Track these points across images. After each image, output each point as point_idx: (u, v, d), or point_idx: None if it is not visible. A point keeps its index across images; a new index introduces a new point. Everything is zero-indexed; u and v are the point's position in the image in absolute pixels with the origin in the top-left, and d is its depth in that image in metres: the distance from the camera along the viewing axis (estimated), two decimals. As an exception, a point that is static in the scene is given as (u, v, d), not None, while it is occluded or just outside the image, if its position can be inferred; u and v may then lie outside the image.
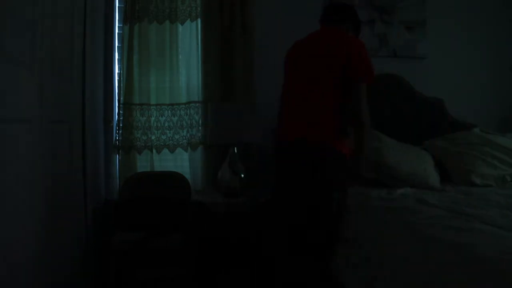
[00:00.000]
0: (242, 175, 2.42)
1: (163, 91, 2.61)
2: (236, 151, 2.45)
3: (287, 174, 1.86)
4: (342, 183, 1.80)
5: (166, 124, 2.61)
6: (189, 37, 2.63)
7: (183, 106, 2.63)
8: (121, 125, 2.53)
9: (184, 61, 2.65)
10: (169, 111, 2.61)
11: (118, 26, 2.64)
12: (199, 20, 2.62)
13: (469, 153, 2.44)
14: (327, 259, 1.85)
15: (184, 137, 2.62)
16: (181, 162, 2.64)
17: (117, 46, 2.64)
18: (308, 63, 1.88)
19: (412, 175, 2.27)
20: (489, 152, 2.45)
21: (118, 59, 2.62)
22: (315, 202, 1.76)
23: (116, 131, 2.56)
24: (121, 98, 2.53)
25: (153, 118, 2.59)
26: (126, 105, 2.53)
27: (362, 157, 1.81)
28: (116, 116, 2.58)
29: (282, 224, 1.90)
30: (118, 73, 2.60)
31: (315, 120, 1.78)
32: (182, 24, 2.63)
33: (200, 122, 2.62)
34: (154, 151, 2.58)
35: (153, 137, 2.59)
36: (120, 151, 2.54)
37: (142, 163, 2.57)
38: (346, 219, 1.88)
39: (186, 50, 2.65)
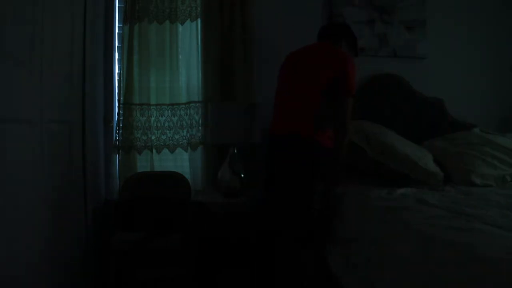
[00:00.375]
0: (242, 175, 2.42)
1: (163, 91, 2.61)
2: (236, 151, 2.45)
3: (277, 166, 2.01)
4: (328, 175, 1.97)
5: (166, 124, 2.61)
6: (189, 37, 2.63)
7: (183, 106, 2.62)
8: (121, 125, 2.53)
9: (184, 61, 2.65)
10: (169, 111, 2.61)
11: (118, 26, 2.64)
12: (199, 20, 2.62)
13: (469, 153, 2.43)
14: (320, 252, 1.91)
15: (184, 137, 2.62)
16: (181, 162, 2.63)
17: (117, 46, 2.64)
18: (306, 68, 2.03)
19: (409, 157, 2.25)
20: (489, 152, 2.45)
21: (118, 59, 2.62)
22: (299, 191, 1.91)
23: (116, 131, 2.55)
24: (121, 98, 2.53)
25: (153, 118, 2.59)
26: (126, 105, 2.53)
27: (338, 161, 1.98)
28: (116, 116, 2.58)
29: (274, 215, 2.00)
30: (118, 73, 2.60)
31: (311, 119, 1.92)
32: (182, 24, 2.62)
33: (200, 122, 2.62)
34: (154, 151, 2.58)
35: (153, 137, 2.59)
36: (120, 151, 2.54)
37: (142, 163, 2.57)
38: (336, 213, 1.98)
39: (186, 50, 2.64)
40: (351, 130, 1.99)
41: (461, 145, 2.51)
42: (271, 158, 2.05)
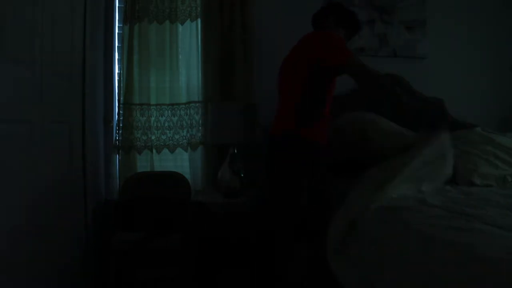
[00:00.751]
0: (242, 175, 2.42)
1: (163, 91, 2.61)
2: (236, 151, 2.45)
3: (271, 165, 1.97)
4: (310, 169, 1.87)
5: (166, 124, 2.61)
6: (189, 37, 2.64)
7: (183, 106, 2.63)
8: (121, 125, 2.53)
9: (184, 61, 2.65)
10: (169, 111, 2.61)
11: (118, 26, 2.64)
12: (199, 20, 2.62)
13: (472, 152, 2.42)
14: (320, 252, 1.87)
15: (184, 137, 2.62)
16: (181, 162, 2.64)
17: (117, 46, 2.64)
18: (289, 64, 1.97)
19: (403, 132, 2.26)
20: (491, 151, 2.43)
21: (118, 59, 2.62)
22: (288, 190, 1.87)
23: (116, 131, 2.56)
24: (121, 98, 2.53)
25: (153, 118, 2.59)
26: (126, 105, 2.53)
27: (375, 82, 1.78)
28: (116, 116, 2.58)
29: (272, 215, 1.98)
30: (118, 73, 2.60)
31: (294, 114, 1.87)
32: (182, 24, 2.63)
33: (200, 122, 2.62)
34: (154, 151, 2.58)
35: (153, 137, 2.59)
36: (120, 151, 2.55)
37: (142, 163, 2.57)
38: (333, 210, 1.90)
39: (186, 50, 2.65)
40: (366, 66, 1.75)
41: (463, 144, 2.50)
42: (266, 158, 2.02)
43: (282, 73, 2.06)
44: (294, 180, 1.87)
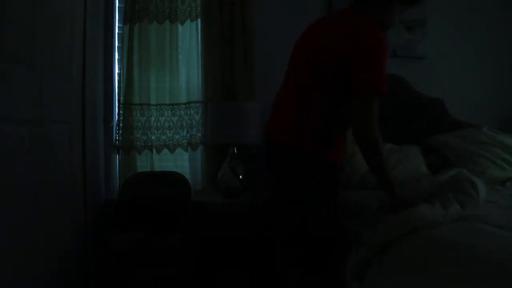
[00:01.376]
0: (242, 175, 2.42)
1: (163, 91, 2.62)
2: (236, 151, 2.45)
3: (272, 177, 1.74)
4: (314, 189, 1.58)
5: (166, 124, 2.61)
6: (189, 37, 2.64)
7: (183, 106, 2.63)
8: (121, 125, 2.53)
9: (184, 61, 2.65)
10: (169, 111, 2.62)
11: (118, 26, 2.64)
12: (199, 20, 2.63)
13: (479, 153, 2.39)
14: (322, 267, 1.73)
15: (184, 137, 2.63)
16: (181, 162, 2.64)
17: (117, 46, 2.64)
18: (309, 50, 1.57)
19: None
20: (500, 154, 2.42)
21: (118, 59, 2.62)
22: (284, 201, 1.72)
23: (116, 131, 2.56)
24: (121, 98, 2.53)
25: (153, 118, 2.60)
26: (126, 105, 2.53)
27: (392, 191, 1.55)
28: (116, 116, 2.58)
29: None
30: (118, 73, 2.61)
31: (306, 127, 1.56)
32: (182, 24, 2.63)
33: (200, 122, 2.62)
34: (154, 151, 2.59)
35: (153, 137, 2.59)
36: (120, 151, 2.55)
37: (142, 163, 2.58)
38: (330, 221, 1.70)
39: (186, 50, 2.65)
40: (382, 146, 1.43)
41: (470, 144, 2.48)
42: (267, 163, 1.77)
43: (294, 57, 1.66)
44: (294, 194, 1.64)
